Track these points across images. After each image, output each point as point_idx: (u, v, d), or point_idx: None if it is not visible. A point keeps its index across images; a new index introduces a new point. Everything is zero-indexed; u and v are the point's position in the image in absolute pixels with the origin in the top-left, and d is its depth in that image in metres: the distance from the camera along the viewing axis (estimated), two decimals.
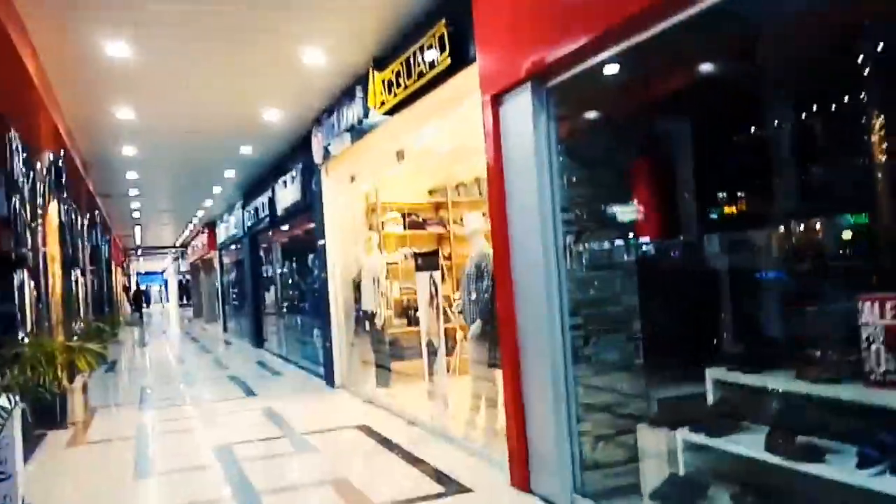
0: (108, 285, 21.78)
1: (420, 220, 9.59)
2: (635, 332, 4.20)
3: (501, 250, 4.64)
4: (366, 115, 7.25)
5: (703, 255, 4.06)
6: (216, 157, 11.68)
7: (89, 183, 13.17)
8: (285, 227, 13.26)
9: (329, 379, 9.72)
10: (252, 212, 15.11)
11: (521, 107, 4.29)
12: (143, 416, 8.61)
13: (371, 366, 9.13)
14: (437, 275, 6.19)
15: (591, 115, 4.36)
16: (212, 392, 10.18)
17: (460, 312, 6.13)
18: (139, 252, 39.46)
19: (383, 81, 6.46)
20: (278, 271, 14.34)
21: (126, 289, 35.32)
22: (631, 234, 4.31)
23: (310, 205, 10.27)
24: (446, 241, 9.68)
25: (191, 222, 23.87)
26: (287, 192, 11.31)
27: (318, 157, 9.21)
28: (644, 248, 4.30)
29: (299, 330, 12.66)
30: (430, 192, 9.81)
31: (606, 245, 4.34)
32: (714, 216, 4.01)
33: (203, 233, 24.95)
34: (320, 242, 9.75)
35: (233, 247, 19.95)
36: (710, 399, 3.73)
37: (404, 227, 9.44)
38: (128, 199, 16.25)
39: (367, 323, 8.64)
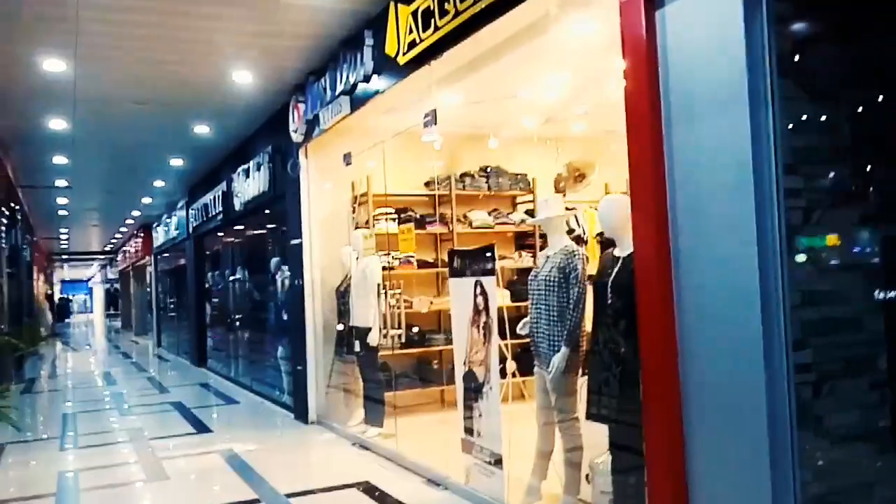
0: (28, 293, 19.15)
1: (417, 216, 7.84)
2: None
3: (651, 238, 2.97)
4: (377, 71, 5.50)
5: None
6: (164, 139, 9.65)
7: (8, 168, 10.92)
8: (243, 226, 11.27)
9: (300, 412, 7.81)
10: (199, 210, 13.03)
11: (713, 3, 2.66)
12: (66, 461, 6.54)
13: (357, 397, 7.30)
14: (488, 282, 4.44)
15: (835, 16, 2.72)
16: (153, 425, 8.11)
17: (528, 337, 4.39)
18: (64, 258, 36.15)
19: (413, 14, 4.74)
20: (230, 278, 12.29)
21: (49, 297, 32.13)
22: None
23: (280, 196, 8.38)
24: (447, 242, 7.98)
25: (124, 225, 21.37)
26: (250, 183, 9.37)
27: (297, 133, 7.36)
28: None
29: (256, 348, 10.66)
30: (427, 184, 8.09)
31: (854, 231, 2.71)
32: None
33: (137, 236, 22.45)
34: (295, 242, 7.88)
35: (171, 252, 17.68)
36: None
37: (399, 225, 7.67)
38: (54, 191, 13.84)
39: (355, 343, 6.82)
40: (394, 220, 7.68)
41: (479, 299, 4.53)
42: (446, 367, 7.93)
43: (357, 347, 6.81)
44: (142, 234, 21.32)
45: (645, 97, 2.96)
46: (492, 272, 4.42)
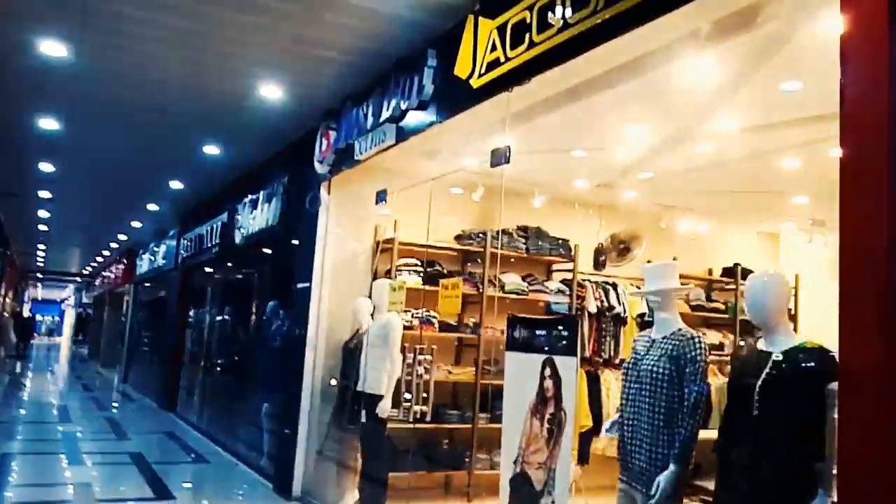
0: None
1: (445, 271, 6.91)
2: None
3: (871, 342, 2.05)
4: (437, 96, 4.68)
5: None
6: (167, 156, 8.77)
7: None
8: (240, 263, 10.28)
9: (282, 483, 6.68)
10: (192, 241, 12.04)
11: None
12: None
13: (353, 475, 6.21)
14: (566, 364, 3.47)
15: None
16: (105, 481, 6.94)
17: (621, 444, 3.40)
18: (39, 276, 34.69)
19: (500, 28, 3.93)
20: (217, 318, 11.21)
21: (16, 315, 30.55)
22: None
23: (290, 233, 7.46)
24: (473, 304, 7.04)
25: (107, 248, 20.27)
26: (256, 215, 8.45)
27: (323, 164, 6.49)
28: None
29: (235, 400, 9.51)
30: (458, 238, 7.19)
31: None
32: None
33: (120, 262, 21.33)
34: (301, 286, 6.91)
35: (154, 283, 16.55)
36: None
37: (424, 280, 6.74)
38: (36, 202, 12.82)
39: (361, 412, 5.79)
40: (419, 272, 6.76)
41: (549, 383, 3.56)
42: (457, 448, 6.88)
43: (363, 417, 5.77)
44: (125, 261, 20.22)
45: (883, 135, 2.09)
46: (571, 351, 3.47)
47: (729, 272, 8.28)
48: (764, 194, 7.12)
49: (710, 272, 8.41)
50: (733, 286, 8.21)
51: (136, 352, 18.17)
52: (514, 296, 7.12)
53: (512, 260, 7.26)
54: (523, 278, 7.27)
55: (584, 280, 7.48)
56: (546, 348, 3.62)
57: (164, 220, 13.62)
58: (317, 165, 6.59)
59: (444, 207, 6.90)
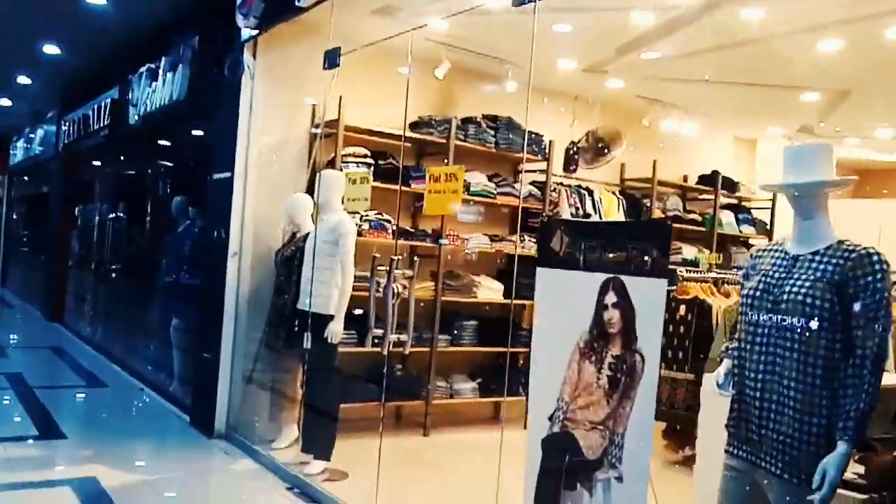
0: None
1: (400, 166, 5.67)
2: None
3: None
4: None
5: None
6: (38, 8, 6.84)
7: None
8: (135, 148, 8.57)
9: (201, 416, 5.53)
10: (75, 122, 10.10)
11: None
12: None
13: (291, 408, 5.15)
14: (646, 288, 2.42)
15: None
16: None
17: (739, 404, 2.39)
18: None
19: None
20: (109, 215, 9.54)
21: None
22: None
23: (204, 109, 5.95)
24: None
25: None
26: (156, 89, 6.80)
27: (248, 17, 4.96)
28: None
29: (137, 311, 8.09)
30: (415, 126, 5.93)
31: None
32: None
33: None
34: (220, 176, 5.52)
35: (32, 174, 14.33)
36: None
37: (375, 175, 5.49)
38: None
39: (305, 335, 4.65)
40: (368, 165, 5.50)
41: (612, 314, 2.51)
42: (412, 374, 5.90)
43: (306, 342, 4.64)
44: None
45: None
46: (656, 270, 2.40)
47: (706, 180, 7.46)
48: (767, 90, 6.21)
49: (686, 179, 7.56)
50: (711, 196, 7.44)
51: (15, 252, 16.04)
52: (482, 198, 6.03)
53: (477, 153, 6.09)
54: (489, 178, 6.15)
55: (556, 184, 6.48)
56: (608, 265, 2.55)
57: (39, 97, 11.40)
58: (239, 20, 5.06)
59: (396, 87, 5.57)
